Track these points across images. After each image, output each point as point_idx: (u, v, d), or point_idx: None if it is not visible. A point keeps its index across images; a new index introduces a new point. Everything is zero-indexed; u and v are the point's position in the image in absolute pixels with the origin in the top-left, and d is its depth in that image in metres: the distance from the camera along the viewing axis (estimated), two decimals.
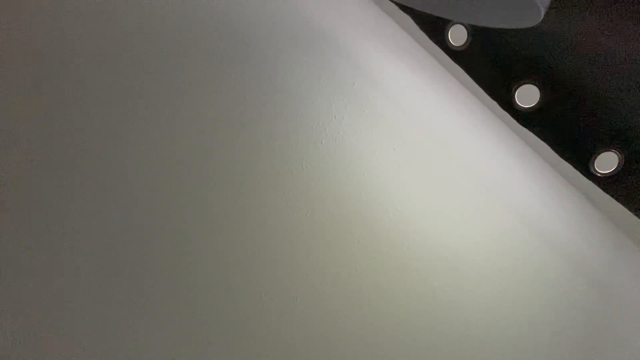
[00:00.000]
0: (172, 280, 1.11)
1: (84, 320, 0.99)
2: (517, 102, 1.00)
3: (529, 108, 1.00)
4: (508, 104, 1.01)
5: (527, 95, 0.99)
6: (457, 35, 1.00)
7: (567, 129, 0.99)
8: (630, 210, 1.02)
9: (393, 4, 1.34)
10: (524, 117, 1.02)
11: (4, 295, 0.92)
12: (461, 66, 1.04)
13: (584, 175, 1.00)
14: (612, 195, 1.01)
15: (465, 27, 0.99)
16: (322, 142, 1.35)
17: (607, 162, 0.97)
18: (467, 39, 0.99)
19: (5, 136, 0.96)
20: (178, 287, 1.11)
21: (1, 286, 0.92)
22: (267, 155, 1.26)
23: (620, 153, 0.95)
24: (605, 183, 0.99)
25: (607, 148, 0.96)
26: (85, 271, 0.99)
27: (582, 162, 0.99)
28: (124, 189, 1.06)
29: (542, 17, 0.66)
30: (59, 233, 0.99)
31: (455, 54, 1.03)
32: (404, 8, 1.05)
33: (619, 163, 0.96)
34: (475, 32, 0.98)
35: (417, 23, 1.07)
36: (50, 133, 1.01)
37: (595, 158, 0.98)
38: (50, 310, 0.95)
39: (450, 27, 1.01)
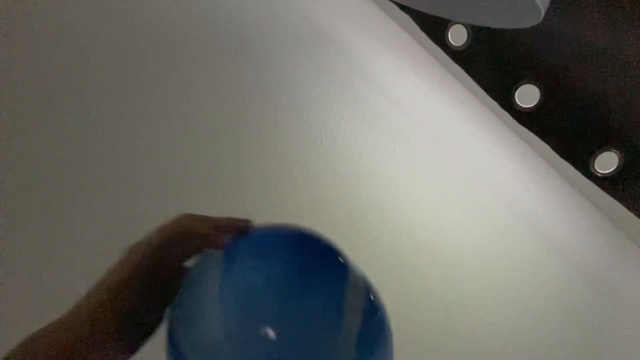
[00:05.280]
0: None
1: None
2: (517, 102, 1.00)
3: (529, 108, 1.00)
4: (508, 104, 1.02)
5: (527, 95, 0.99)
6: (457, 35, 1.00)
7: (567, 129, 0.99)
8: (630, 210, 1.02)
9: (393, 4, 1.34)
10: (524, 117, 1.02)
11: (4, 294, 0.92)
12: (461, 66, 1.04)
13: (584, 175, 1.01)
14: (612, 195, 1.01)
15: (465, 27, 0.99)
16: (322, 142, 1.35)
17: (607, 162, 0.97)
18: (467, 39, 0.99)
19: (7, 134, 0.96)
20: None
21: (1, 285, 0.92)
22: (267, 155, 1.26)
23: (620, 153, 0.95)
24: (605, 183, 0.99)
25: (607, 148, 0.96)
26: (85, 270, 0.99)
27: (582, 162, 0.99)
28: (126, 188, 1.06)
29: (542, 17, 0.66)
30: (60, 231, 0.99)
31: (455, 54, 1.03)
32: (404, 8, 1.05)
33: (619, 163, 0.96)
34: (475, 32, 0.98)
35: (417, 23, 1.07)
36: (53, 131, 1.00)
37: (595, 158, 0.98)
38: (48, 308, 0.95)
39: (450, 27, 1.01)
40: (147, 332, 0.44)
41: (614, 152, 0.96)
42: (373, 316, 0.43)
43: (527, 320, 1.54)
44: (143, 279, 0.42)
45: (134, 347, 0.43)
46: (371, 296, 0.43)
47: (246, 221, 0.48)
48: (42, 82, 1.02)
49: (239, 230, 0.47)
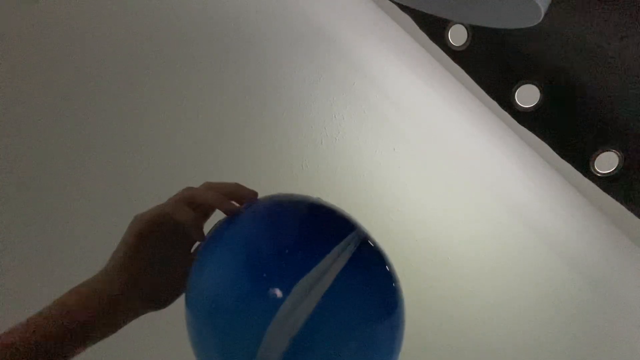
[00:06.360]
0: None
1: None
2: (517, 102, 1.00)
3: (529, 108, 1.00)
4: (508, 104, 1.01)
5: (527, 95, 0.99)
6: (457, 35, 1.00)
7: (567, 129, 0.99)
8: (630, 210, 1.02)
9: (393, 4, 1.34)
10: (524, 117, 1.02)
11: (5, 290, 0.92)
12: (461, 66, 1.04)
13: (584, 175, 1.00)
14: (612, 195, 1.01)
15: (465, 27, 0.99)
16: (322, 142, 1.35)
17: (607, 162, 0.97)
18: (467, 39, 0.99)
19: (8, 133, 0.96)
20: None
21: (2, 280, 0.92)
22: (267, 155, 1.26)
23: (620, 153, 0.95)
24: (605, 183, 0.99)
25: (607, 148, 0.96)
26: (85, 269, 0.99)
27: (582, 162, 0.99)
28: (125, 188, 1.06)
29: (542, 17, 0.66)
30: (61, 230, 0.99)
31: (455, 54, 1.03)
32: (404, 8, 1.05)
33: (618, 163, 0.96)
34: (475, 32, 0.98)
35: (417, 23, 1.07)
36: (54, 131, 1.00)
37: (595, 158, 0.98)
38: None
39: (450, 27, 1.01)
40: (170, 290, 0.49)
41: (614, 152, 0.96)
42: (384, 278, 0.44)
43: (526, 320, 1.54)
44: (147, 245, 0.47)
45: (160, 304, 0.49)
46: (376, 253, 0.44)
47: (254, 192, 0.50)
48: (42, 82, 1.02)
49: (247, 198, 0.49)
